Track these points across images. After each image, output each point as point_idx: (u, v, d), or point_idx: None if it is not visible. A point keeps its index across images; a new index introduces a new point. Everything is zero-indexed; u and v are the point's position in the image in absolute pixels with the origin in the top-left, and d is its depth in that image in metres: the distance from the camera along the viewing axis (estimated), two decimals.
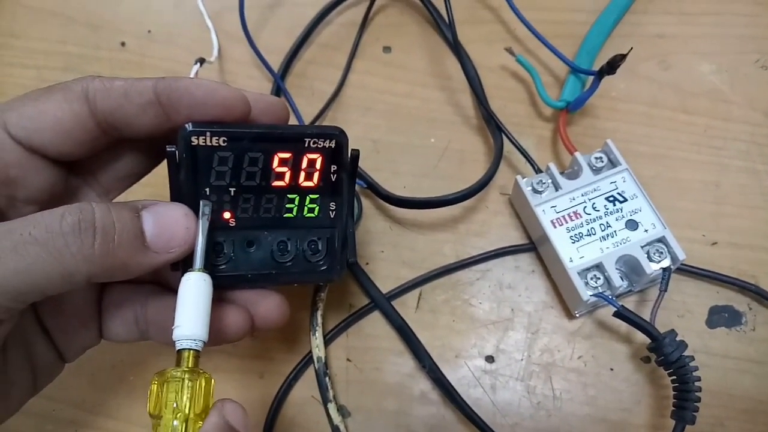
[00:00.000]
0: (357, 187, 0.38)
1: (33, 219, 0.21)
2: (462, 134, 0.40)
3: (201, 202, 0.25)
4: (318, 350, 0.33)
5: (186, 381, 0.22)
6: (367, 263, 0.37)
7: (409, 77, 0.42)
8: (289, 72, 0.42)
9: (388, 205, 0.38)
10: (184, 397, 0.22)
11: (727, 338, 0.34)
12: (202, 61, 0.38)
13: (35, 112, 0.23)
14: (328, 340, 0.35)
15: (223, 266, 0.27)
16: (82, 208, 0.21)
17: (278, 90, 0.41)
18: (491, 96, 0.40)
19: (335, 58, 0.42)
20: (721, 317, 0.35)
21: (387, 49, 0.43)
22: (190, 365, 0.23)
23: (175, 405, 0.22)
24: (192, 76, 0.38)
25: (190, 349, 0.23)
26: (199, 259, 0.24)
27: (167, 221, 0.23)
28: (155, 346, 0.35)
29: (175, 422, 0.22)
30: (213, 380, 0.23)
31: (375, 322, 0.36)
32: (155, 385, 0.22)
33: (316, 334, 0.34)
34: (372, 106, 0.41)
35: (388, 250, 0.37)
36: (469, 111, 0.41)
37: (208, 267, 0.25)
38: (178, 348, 0.23)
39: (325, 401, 0.33)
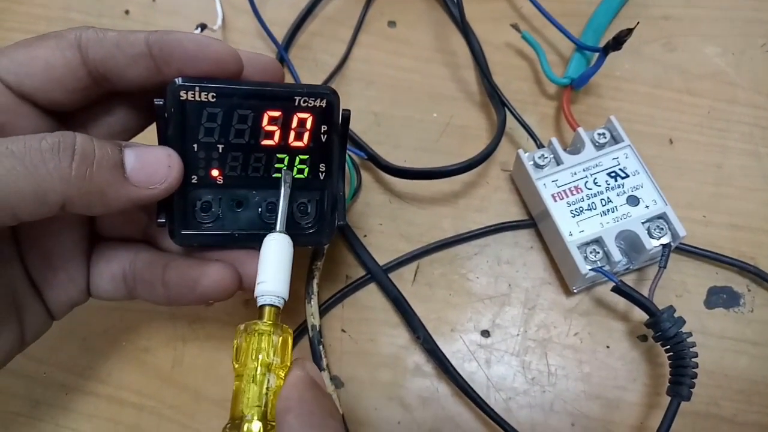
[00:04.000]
0: (357, 159, 0.38)
1: (13, 137, 0.21)
2: (465, 110, 0.40)
3: (283, 171, 0.26)
4: (313, 318, 0.33)
5: (269, 335, 0.23)
6: (365, 235, 0.37)
7: (413, 52, 0.41)
8: (293, 44, 0.42)
9: (388, 178, 0.37)
10: (269, 349, 0.23)
11: (725, 319, 0.34)
12: (203, 26, 0.38)
13: (27, 57, 0.23)
14: (323, 311, 0.35)
15: (210, 224, 0.26)
16: (63, 133, 0.21)
17: (282, 61, 0.41)
18: (495, 73, 0.40)
19: (339, 32, 0.42)
20: (719, 298, 0.34)
21: (392, 24, 0.42)
22: (272, 320, 0.23)
23: (260, 356, 0.22)
24: None
25: (272, 305, 0.24)
26: (280, 222, 0.25)
27: (149, 158, 0.23)
28: (148, 312, 0.35)
29: (258, 370, 0.22)
30: (292, 336, 0.24)
31: (371, 294, 0.35)
32: (239, 338, 0.23)
33: (312, 302, 0.33)
34: (375, 79, 0.41)
35: (387, 223, 0.37)
36: (473, 87, 0.40)
37: (284, 228, 0.25)
38: (260, 303, 0.24)
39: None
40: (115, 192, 0.22)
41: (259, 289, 0.24)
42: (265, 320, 0.23)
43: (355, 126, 0.39)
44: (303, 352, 0.34)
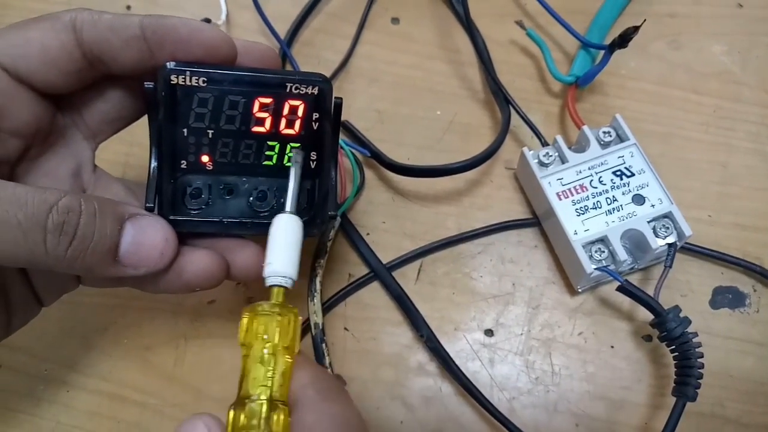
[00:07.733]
0: (360, 156, 0.38)
1: (24, 197, 0.21)
2: (468, 108, 0.39)
3: (294, 151, 0.26)
4: (316, 316, 0.33)
5: (276, 315, 0.23)
6: (368, 234, 0.36)
7: (416, 49, 0.41)
8: (295, 40, 0.42)
9: (391, 176, 0.37)
10: (275, 330, 0.23)
11: (730, 319, 0.34)
12: (207, 21, 0.38)
13: (22, 39, 0.23)
14: (325, 309, 0.34)
15: (199, 211, 0.26)
16: (70, 208, 0.21)
17: (284, 57, 0.41)
18: (499, 71, 0.39)
19: (343, 28, 0.42)
20: (724, 298, 0.34)
21: (395, 21, 0.42)
22: (279, 300, 0.23)
23: (265, 336, 0.22)
24: None
25: (280, 286, 0.23)
26: (291, 203, 0.25)
27: (146, 241, 0.24)
28: (150, 310, 0.35)
29: (265, 351, 0.22)
30: (299, 317, 0.24)
31: (374, 292, 0.35)
32: (246, 318, 0.23)
33: (315, 300, 0.33)
34: (378, 77, 0.40)
35: (390, 222, 0.37)
36: (477, 85, 0.40)
37: (294, 209, 0.25)
38: (268, 284, 0.24)
39: None
40: (100, 271, 0.23)
41: (267, 270, 0.24)
42: (272, 301, 0.23)
43: (358, 123, 0.39)
44: (306, 350, 0.33)
